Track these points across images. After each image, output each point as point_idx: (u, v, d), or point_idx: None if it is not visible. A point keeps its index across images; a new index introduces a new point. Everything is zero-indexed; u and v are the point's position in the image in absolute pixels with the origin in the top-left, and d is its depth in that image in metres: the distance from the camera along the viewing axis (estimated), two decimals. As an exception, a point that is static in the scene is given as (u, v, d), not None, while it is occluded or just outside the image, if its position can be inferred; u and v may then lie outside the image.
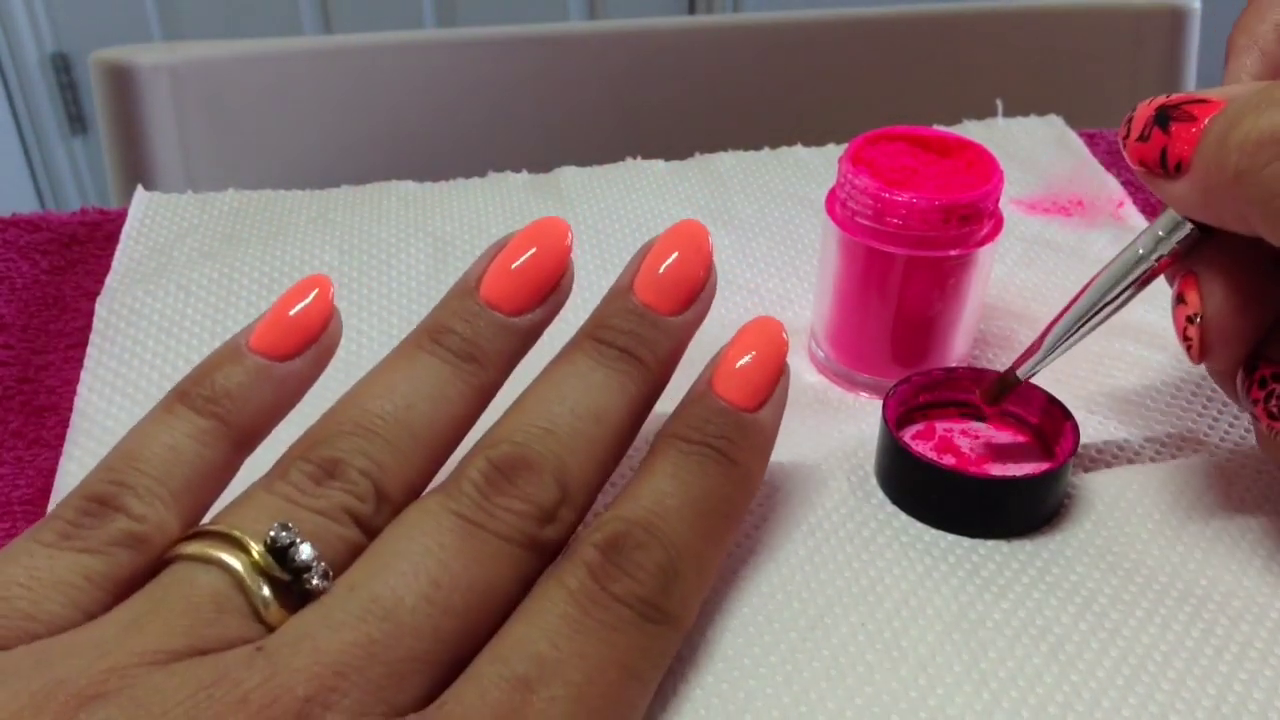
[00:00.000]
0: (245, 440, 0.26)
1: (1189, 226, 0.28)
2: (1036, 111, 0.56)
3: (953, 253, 0.34)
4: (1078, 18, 0.79)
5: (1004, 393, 0.32)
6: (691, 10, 1.40)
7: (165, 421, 0.25)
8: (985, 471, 0.32)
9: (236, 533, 0.23)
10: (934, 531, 0.31)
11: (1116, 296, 0.30)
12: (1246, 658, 0.27)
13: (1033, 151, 0.52)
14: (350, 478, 0.24)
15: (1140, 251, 0.29)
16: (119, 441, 0.26)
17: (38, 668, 0.20)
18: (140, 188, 0.48)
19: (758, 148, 0.53)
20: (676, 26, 0.79)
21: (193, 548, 0.23)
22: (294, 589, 0.23)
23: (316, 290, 0.28)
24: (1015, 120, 0.55)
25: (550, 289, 0.28)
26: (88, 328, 0.40)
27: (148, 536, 0.23)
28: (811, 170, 0.51)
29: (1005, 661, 0.27)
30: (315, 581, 0.23)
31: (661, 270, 0.28)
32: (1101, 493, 0.32)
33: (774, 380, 0.28)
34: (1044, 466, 0.32)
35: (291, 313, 0.27)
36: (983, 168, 0.35)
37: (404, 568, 0.23)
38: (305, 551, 0.23)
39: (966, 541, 0.31)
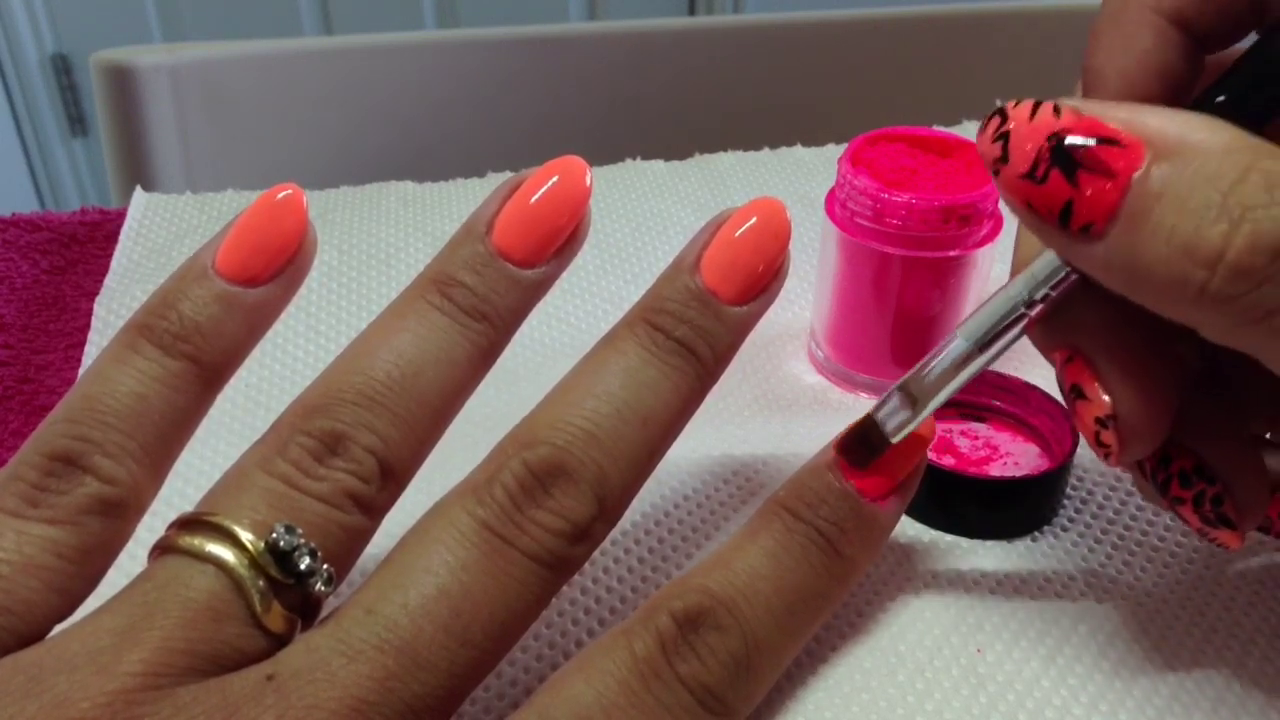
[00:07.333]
0: (216, 379, 0.24)
1: (1065, 271, 0.23)
2: (1036, 111, 0.56)
3: (952, 253, 0.34)
4: (1078, 18, 0.79)
5: (872, 453, 0.25)
6: (691, 10, 1.40)
7: (129, 362, 0.23)
8: (985, 472, 0.32)
9: (233, 527, 0.21)
10: (934, 532, 0.31)
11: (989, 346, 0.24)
12: (1249, 656, 0.27)
13: (1033, 152, 0.52)
14: (354, 455, 0.23)
15: (1019, 305, 0.23)
16: (78, 383, 0.23)
17: (30, 686, 0.19)
18: (139, 189, 0.48)
19: (758, 148, 0.53)
20: (676, 27, 0.80)
21: (186, 540, 0.21)
22: (295, 589, 0.22)
23: (289, 201, 0.25)
24: (1015, 120, 0.55)
25: (566, 238, 0.26)
26: (87, 328, 0.40)
27: (121, 500, 0.22)
28: (811, 170, 0.51)
29: (1005, 663, 0.27)
30: (319, 588, 0.22)
31: (731, 251, 0.25)
32: (1101, 492, 0.32)
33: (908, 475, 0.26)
34: (1044, 466, 0.32)
35: (261, 229, 0.24)
36: (982, 168, 0.35)
37: (425, 589, 0.21)
38: (307, 560, 0.21)
39: (966, 542, 0.31)
